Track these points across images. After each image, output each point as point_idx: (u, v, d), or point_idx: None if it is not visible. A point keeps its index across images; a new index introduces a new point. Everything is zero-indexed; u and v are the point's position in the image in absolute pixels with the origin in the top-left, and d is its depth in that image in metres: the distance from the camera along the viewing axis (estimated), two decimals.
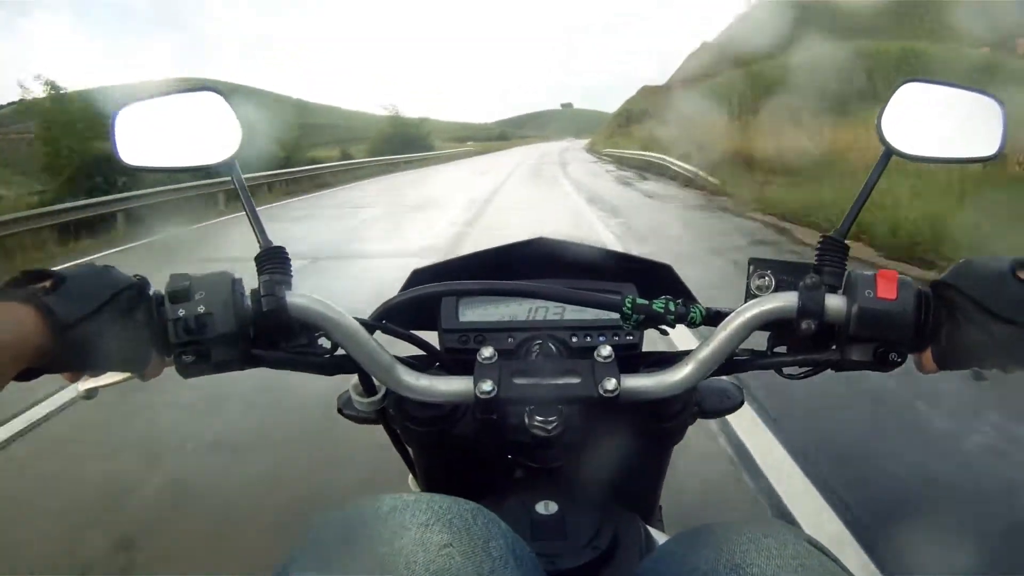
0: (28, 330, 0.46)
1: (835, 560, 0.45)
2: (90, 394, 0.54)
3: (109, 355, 0.50)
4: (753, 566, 0.43)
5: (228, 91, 0.62)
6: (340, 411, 0.68)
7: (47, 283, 0.49)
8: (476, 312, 0.63)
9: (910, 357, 0.54)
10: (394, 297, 0.57)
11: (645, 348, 0.64)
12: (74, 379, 0.53)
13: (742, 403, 0.68)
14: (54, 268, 0.51)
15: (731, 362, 0.56)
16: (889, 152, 0.61)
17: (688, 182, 12.76)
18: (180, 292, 0.50)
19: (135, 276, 0.53)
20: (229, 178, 0.59)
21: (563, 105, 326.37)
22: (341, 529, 0.43)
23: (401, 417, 0.62)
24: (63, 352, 0.47)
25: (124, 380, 0.53)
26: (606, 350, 0.54)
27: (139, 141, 0.62)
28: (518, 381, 0.53)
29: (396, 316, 0.58)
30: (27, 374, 0.48)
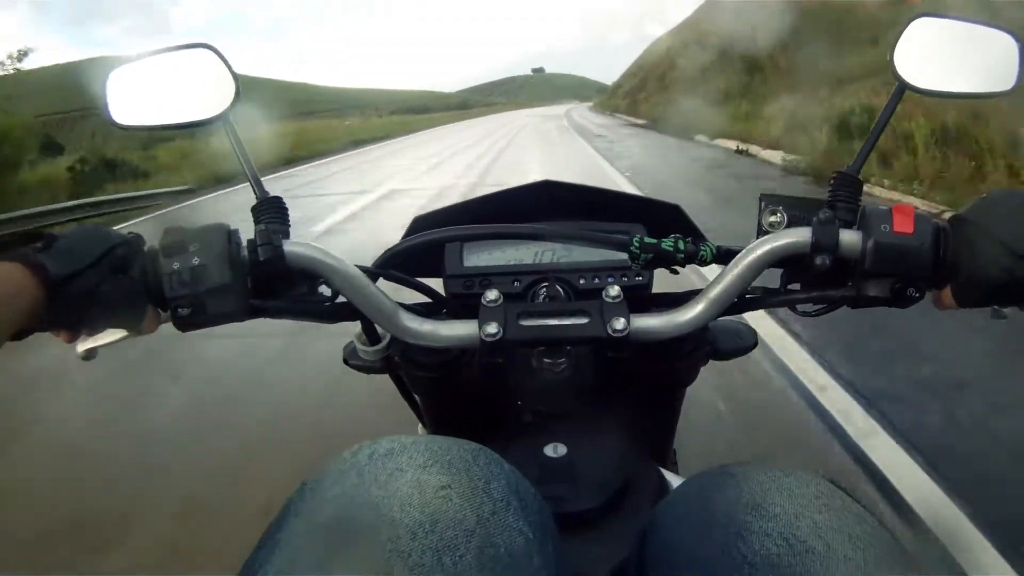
0: (21, 288, 0.45)
1: (857, 500, 0.44)
2: (89, 355, 0.53)
3: (104, 311, 0.49)
4: (775, 505, 0.41)
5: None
6: (346, 361, 0.66)
7: (38, 244, 0.48)
8: (481, 257, 0.61)
9: (928, 293, 0.53)
10: (396, 244, 0.56)
11: (655, 289, 0.62)
12: (70, 339, 0.52)
13: (755, 344, 0.66)
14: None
15: (743, 300, 0.55)
16: (903, 87, 0.59)
17: None
18: (174, 245, 0.49)
19: (129, 233, 0.53)
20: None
21: (534, 70, 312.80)
22: (337, 474, 0.41)
23: (407, 364, 0.61)
24: (57, 310, 0.47)
25: (121, 339, 0.52)
26: (614, 290, 0.52)
27: (132, 101, 0.61)
28: (524, 323, 0.51)
29: (399, 263, 0.56)
30: (21, 333, 0.47)
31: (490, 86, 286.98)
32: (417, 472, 0.40)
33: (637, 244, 0.53)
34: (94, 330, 0.51)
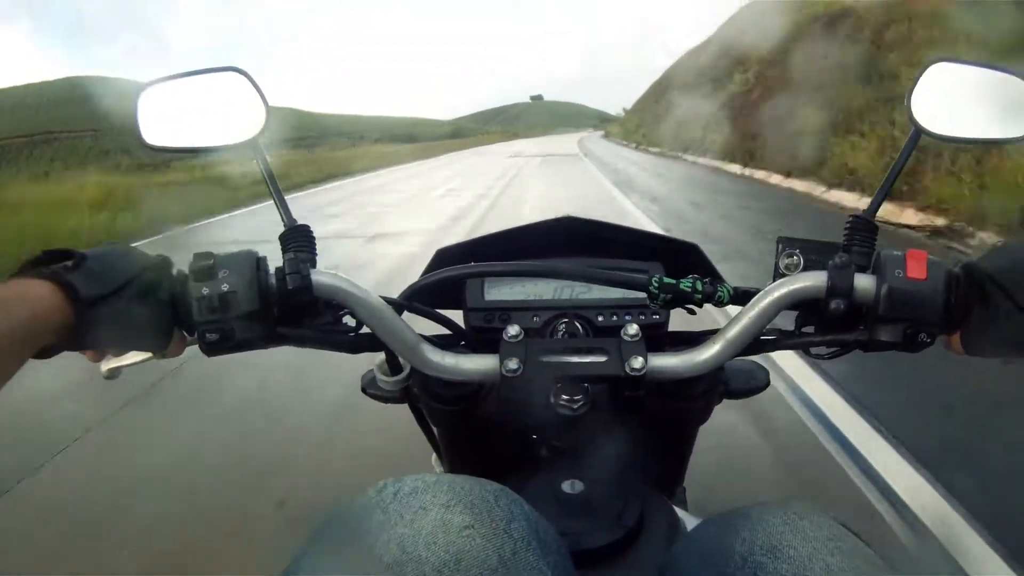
0: (50, 307, 0.46)
1: (868, 544, 0.45)
2: (112, 374, 0.54)
3: (131, 333, 0.50)
4: (789, 548, 0.42)
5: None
6: (364, 390, 0.67)
7: (69, 262, 0.49)
8: (502, 291, 0.62)
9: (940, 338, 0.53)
10: (421, 279, 0.57)
11: (671, 328, 0.63)
12: (95, 358, 0.53)
13: (768, 384, 0.67)
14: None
15: (758, 341, 0.56)
16: (918, 132, 0.60)
17: None
18: (204, 270, 0.50)
19: (157, 256, 0.53)
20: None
21: (533, 97, 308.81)
22: (362, 510, 0.43)
23: (426, 396, 0.62)
24: (84, 330, 0.47)
25: (146, 360, 0.53)
26: (633, 328, 0.53)
27: (162, 121, 0.61)
28: (544, 359, 0.52)
29: (421, 295, 0.57)
30: (47, 351, 0.48)
31: (488, 113, 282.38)
32: (441, 511, 0.41)
33: (656, 284, 0.54)
34: (120, 351, 0.52)
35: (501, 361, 0.52)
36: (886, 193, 0.59)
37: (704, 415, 0.64)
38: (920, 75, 0.61)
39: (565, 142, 40.52)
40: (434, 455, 0.73)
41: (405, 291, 0.57)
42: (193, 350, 0.53)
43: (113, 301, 0.48)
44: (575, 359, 0.53)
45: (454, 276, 0.56)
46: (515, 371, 0.51)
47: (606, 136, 44.30)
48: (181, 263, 0.53)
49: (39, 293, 0.46)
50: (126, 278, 0.49)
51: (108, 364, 0.53)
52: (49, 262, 0.49)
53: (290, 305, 0.53)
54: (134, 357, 0.53)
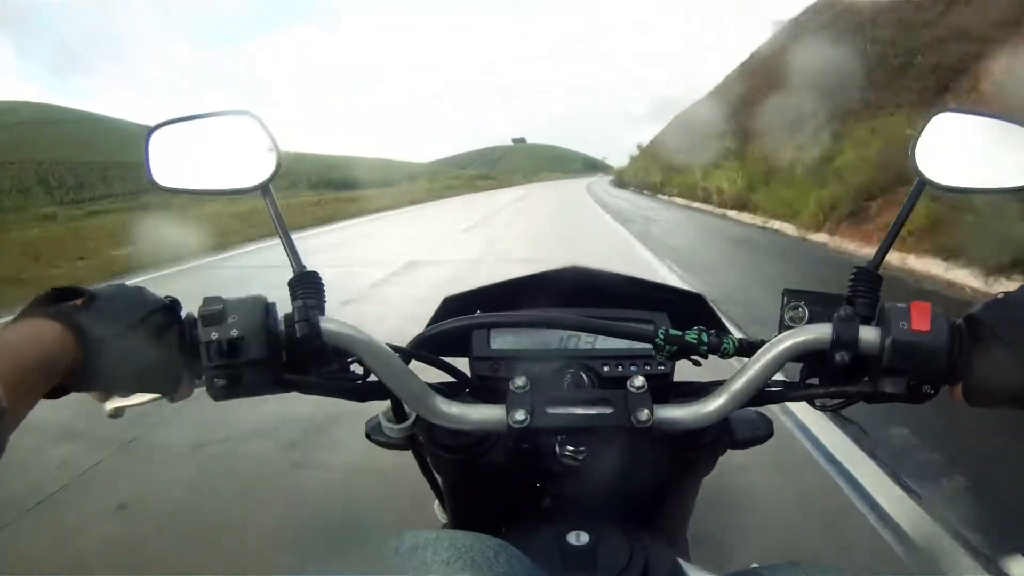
0: (60, 347, 0.46)
1: None
2: (117, 413, 0.54)
3: (139, 375, 0.50)
4: None
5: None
6: (368, 436, 0.68)
7: (79, 301, 0.49)
8: (507, 340, 0.63)
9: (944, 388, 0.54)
10: (427, 328, 0.58)
11: (677, 376, 0.64)
12: (103, 399, 0.53)
13: (771, 434, 0.68)
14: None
15: (763, 393, 0.56)
16: (922, 183, 0.60)
17: None
18: (214, 315, 0.50)
19: (166, 298, 0.53)
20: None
21: (515, 140, 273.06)
22: (362, 565, 0.43)
23: (431, 444, 0.62)
24: (94, 371, 0.47)
25: (152, 400, 0.53)
26: (639, 380, 0.54)
27: (172, 162, 0.62)
28: (551, 410, 0.53)
29: (428, 344, 0.58)
30: (57, 391, 0.48)
31: (468, 156, 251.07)
32: (441, 568, 0.41)
33: (662, 336, 0.54)
34: (127, 392, 0.53)
35: (508, 412, 0.52)
36: (890, 244, 0.59)
37: (709, 466, 0.65)
38: (924, 126, 0.61)
39: (573, 189, 31.67)
40: (436, 502, 0.74)
41: (413, 340, 0.58)
42: (200, 392, 0.54)
43: (122, 342, 0.48)
44: (581, 410, 0.53)
45: (461, 326, 0.57)
46: (522, 422, 0.51)
47: (621, 184, 34.62)
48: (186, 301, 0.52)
49: (50, 334, 0.46)
50: (135, 319, 0.49)
51: (113, 403, 0.53)
52: (58, 299, 0.49)
53: (298, 352, 0.53)
54: (140, 398, 0.53)
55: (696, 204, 16.06)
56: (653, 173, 24.78)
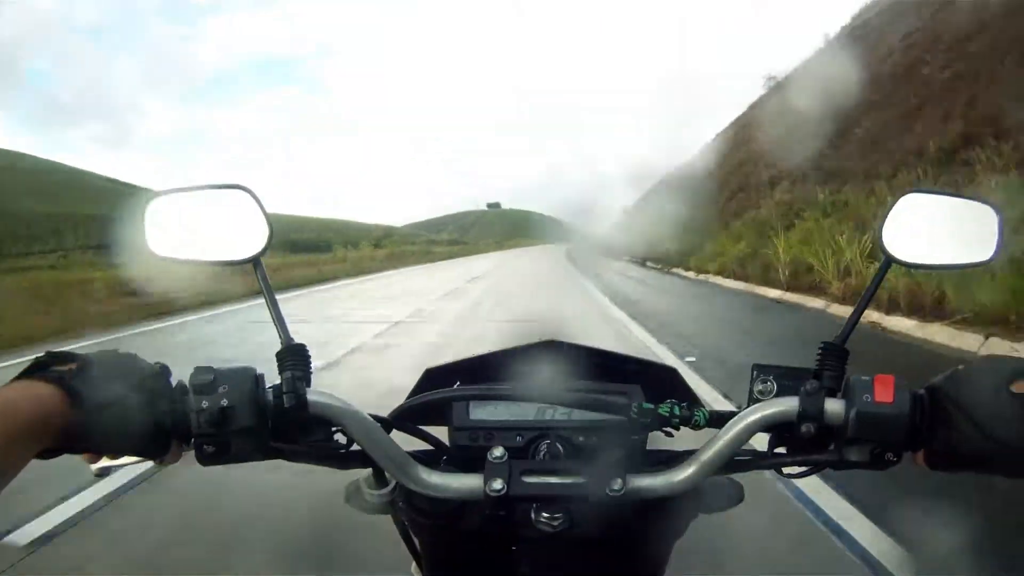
0: (53, 410, 0.47)
1: None
2: (102, 472, 0.56)
3: (130, 440, 0.52)
4: None
5: None
6: (348, 500, 0.69)
7: (72, 365, 0.51)
8: (486, 411, 0.65)
9: (906, 456, 0.56)
10: (409, 400, 0.60)
11: (650, 445, 0.66)
12: (92, 460, 0.55)
13: (742, 499, 0.69)
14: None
15: (733, 462, 0.58)
16: (889, 261, 0.63)
17: None
18: (205, 385, 0.52)
19: (156, 364, 0.55)
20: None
21: (490, 205, 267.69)
22: None
23: (410, 510, 0.64)
24: (85, 434, 0.49)
25: (138, 462, 0.55)
26: (612, 451, 0.56)
27: (168, 232, 0.64)
28: (527, 479, 0.55)
29: (409, 414, 0.60)
30: (48, 453, 0.49)
31: (441, 221, 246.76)
32: None
33: (636, 410, 0.57)
34: (117, 456, 0.54)
35: (486, 481, 0.54)
36: (856, 320, 0.61)
37: (680, 530, 0.67)
38: (891, 207, 0.64)
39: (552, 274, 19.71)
40: (414, 565, 0.75)
41: (395, 411, 0.60)
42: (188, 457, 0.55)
43: (114, 408, 0.50)
44: (556, 480, 0.55)
45: (442, 398, 0.59)
46: (499, 491, 0.54)
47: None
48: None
49: (44, 396, 0.47)
50: (127, 385, 0.51)
51: (100, 464, 0.55)
52: (52, 364, 0.51)
53: (284, 421, 0.55)
54: (128, 459, 0.55)
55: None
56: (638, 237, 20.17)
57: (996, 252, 0.65)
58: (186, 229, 0.64)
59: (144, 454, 0.54)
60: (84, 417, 0.49)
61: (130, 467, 0.57)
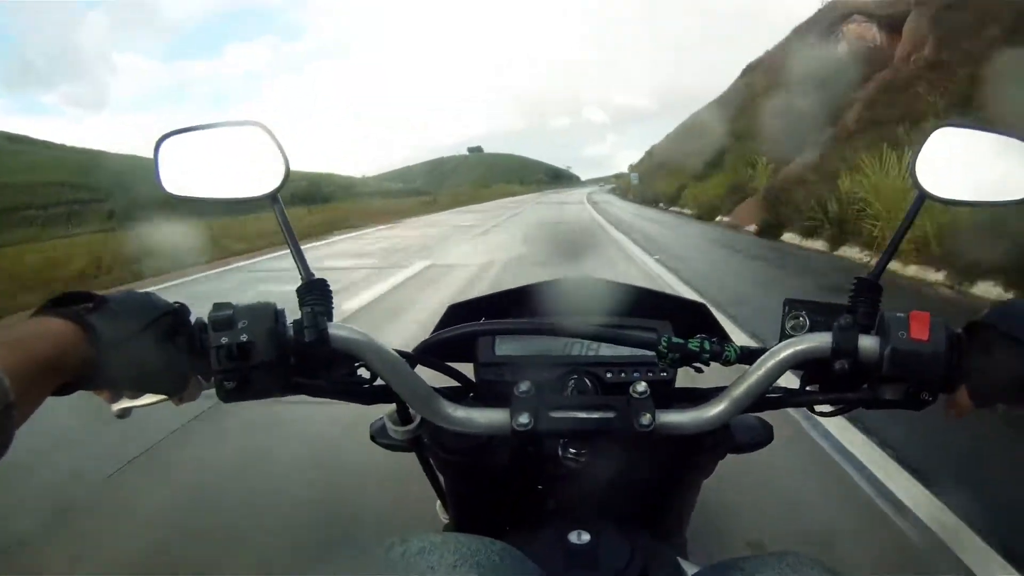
0: (70, 345, 0.47)
1: None
2: (123, 414, 0.55)
3: (148, 377, 0.51)
4: None
5: None
6: (373, 438, 0.68)
7: (89, 303, 0.50)
8: (512, 346, 0.64)
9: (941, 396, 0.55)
10: (434, 334, 0.59)
11: (679, 383, 0.65)
12: (111, 399, 0.54)
13: (771, 439, 0.68)
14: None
15: (763, 399, 0.57)
16: (922, 196, 0.61)
17: None
18: (223, 320, 0.51)
19: (175, 302, 0.54)
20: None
21: (471, 150, 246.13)
22: (368, 568, 0.44)
23: (436, 446, 0.63)
24: (103, 370, 0.48)
25: (158, 402, 0.54)
26: (641, 386, 0.55)
27: (182, 171, 0.63)
28: (554, 415, 0.54)
29: (434, 349, 0.59)
30: (66, 388, 0.49)
31: (416, 169, 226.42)
32: (448, 572, 0.43)
33: (665, 344, 0.55)
34: (135, 393, 0.54)
35: (512, 415, 0.53)
36: (891, 255, 0.60)
37: (708, 469, 0.66)
38: (925, 140, 0.62)
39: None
40: (438, 503, 0.75)
41: (419, 345, 0.59)
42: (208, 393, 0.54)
43: (132, 344, 0.49)
44: (584, 415, 0.54)
45: (468, 332, 0.58)
46: (526, 426, 0.53)
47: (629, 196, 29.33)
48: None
49: (60, 331, 0.47)
50: (145, 322, 0.51)
51: (120, 404, 0.54)
52: (69, 303, 0.50)
53: (306, 356, 0.54)
54: (148, 399, 0.54)
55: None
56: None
57: None
58: (200, 167, 0.63)
59: (161, 391, 0.53)
60: (101, 352, 0.48)
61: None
